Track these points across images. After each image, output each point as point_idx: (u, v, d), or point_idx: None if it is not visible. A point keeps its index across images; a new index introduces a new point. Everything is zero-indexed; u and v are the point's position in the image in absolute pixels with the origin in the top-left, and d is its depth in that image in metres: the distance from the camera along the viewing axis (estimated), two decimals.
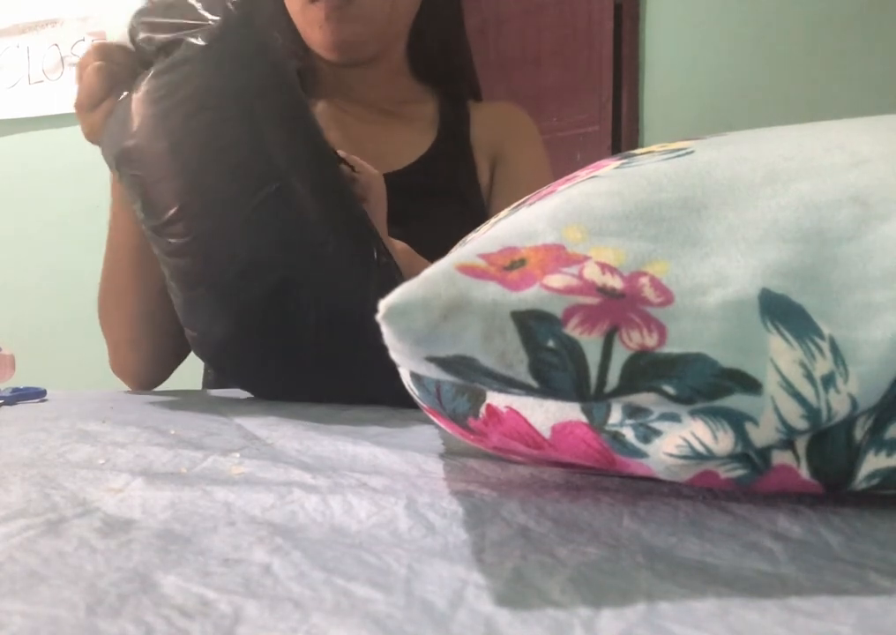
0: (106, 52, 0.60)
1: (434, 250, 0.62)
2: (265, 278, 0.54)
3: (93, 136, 0.62)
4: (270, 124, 0.54)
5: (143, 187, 0.56)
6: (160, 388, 0.74)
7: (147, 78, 0.56)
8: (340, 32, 0.75)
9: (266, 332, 0.56)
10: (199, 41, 0.54)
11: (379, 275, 0.54)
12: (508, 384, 0.21)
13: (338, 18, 0.74)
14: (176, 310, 0.60)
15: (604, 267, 0.22)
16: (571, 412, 0.25)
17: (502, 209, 0.90)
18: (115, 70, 0.60)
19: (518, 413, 0.27)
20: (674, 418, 0.23)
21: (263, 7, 0.58)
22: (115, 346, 0.73)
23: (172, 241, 0.55)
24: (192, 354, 0.81)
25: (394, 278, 0.55)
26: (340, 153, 0.59)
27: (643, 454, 0.24)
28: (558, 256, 0.22)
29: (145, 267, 0.66)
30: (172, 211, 0.54)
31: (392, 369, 0.28)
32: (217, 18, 0.55)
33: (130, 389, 0.76)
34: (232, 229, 0.54)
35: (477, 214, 0.82)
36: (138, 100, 0.56)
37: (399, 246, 0.63)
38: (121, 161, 0.58)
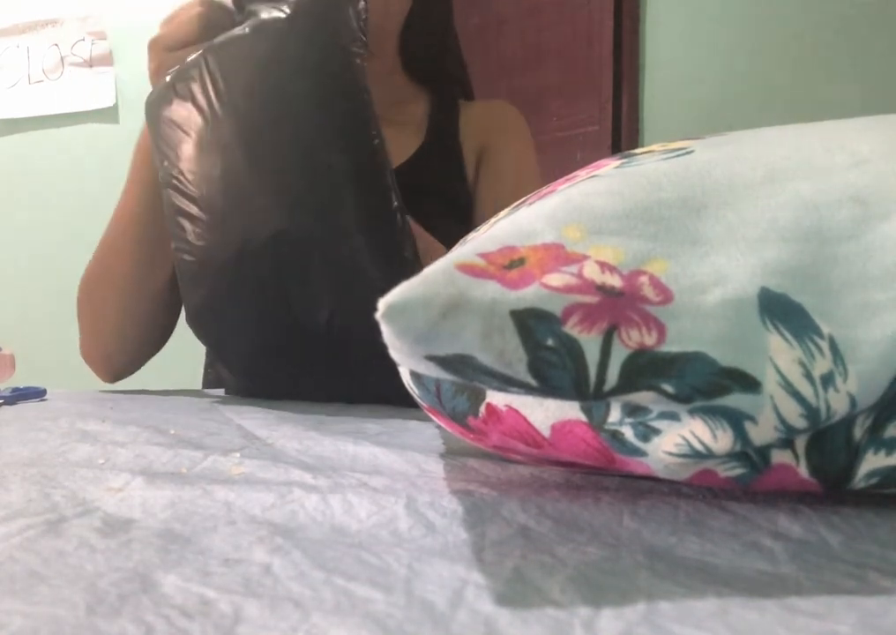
0: (210, 4, 0.60)
1: (423, 255, 0.62)
2: (280, 257, 0.55)
3: (156, 78, 0.62)
4: (324, 108, 0.54)
5: (179, 146, 0.57)
6: (160, 388, 0.74)
7: (222, 40, 0.56)
8: None
9: (275, 321, 0.57)
10: (281, 13, 0.54)
11: (402, 275, 0.54)
12: (507, 382, 0.21)
13: None
14: (182, 284, 0.61)
15: (603, 266, 0.22)
16: (570, 411, 0.25)
17: (486, 201, 0.88)
18: (210, 23, 0.60)
19: (517, 412, 0.27)
20: (673, 417, 0.23)
21: None
22: (94, 332, 0.73)
23: (197, 201, 0.56)
24: (193, 356, 0.81)
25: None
26: None
27: (642, 453, 0.24)
28: (558, 255, 0.22)
29: (143, 244, 0.68)
30: (206, 168, 0.56)
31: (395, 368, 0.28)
32: None
33: (100, 376, 0.76)
34: (257, 201, 0.54)
35: (466, 215, 0.82)
36: (205, 61, 0.56)
37: (424, 235, 0.63)
38: (163, 121, 0.59)
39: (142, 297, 0.71)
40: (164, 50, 0.61)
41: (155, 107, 0.60)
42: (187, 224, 0.58)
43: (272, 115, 0.55)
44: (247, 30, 0.55)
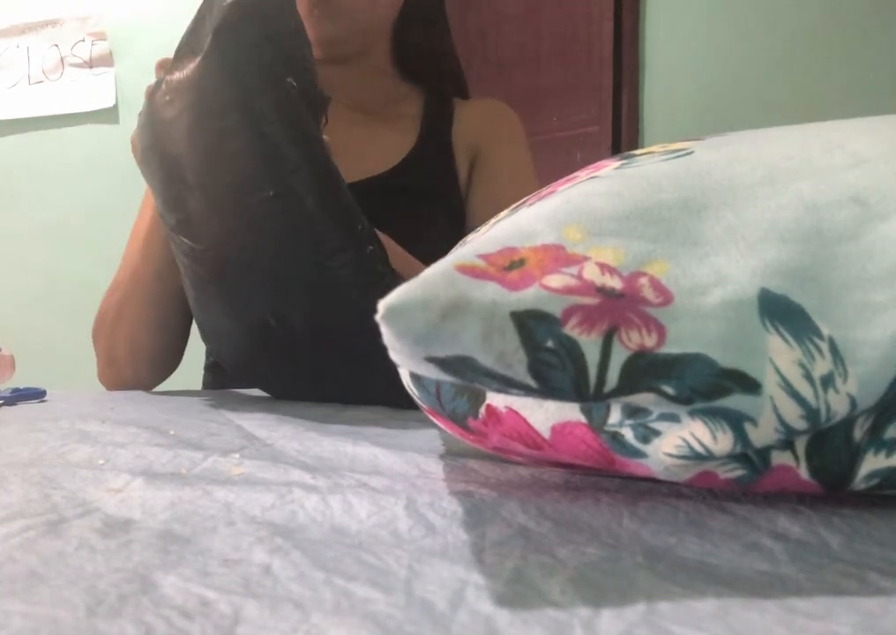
0: None
1: (417, 251, 0.62)
2: (266, 284, 0.55)
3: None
4: (270, 127, 0.53)
5: (159, 187, 0.57)
6: (160, 388, 0.74)
7: (164, 77, 0.56)
8: (320, 28, 0.75)
9: (266, 338, 0.57)
10: (205, 38, 0.54)
11: (376, 287, 0.54)
12: (507, 384, 0.21)
13: (317, 15, 0.74)
14: (192, 308, 0.62)
15: (603, 267, 0.22)
16: (570, 412, 0.25)
17: (479, 203, 0.88)
18: None
19: (517, 413, 0.27)
20: (673, 418, 0.23)
21: None
22: (111, 359, 0.73)
23: (185, 241, 0.56)
24: (193, 357, 0.81)
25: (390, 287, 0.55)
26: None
27: (642, 454, 0.24)
28: (558, 256, 0.22)
29: (168, 271, 0.68)
30: (183, 214, 0.55)
31: (387, 372, 0.28)
32: (224, 6, 0.53)
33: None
34: (235, 234, 0.54)
35: (459, 215, 0.82)
36: (157, 101, 0.56)
37: (396, 250, 0.63)
38: (144, 161, 0.59)
39: (165, 332, 0.72)
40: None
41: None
42: (178, 237, 0.58)
43: (214, 160, 0.54)
44: (178, 66, 0.55)
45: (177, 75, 0.55)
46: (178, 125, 0.54)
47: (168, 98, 0.55)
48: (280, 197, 0.52)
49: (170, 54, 0.59)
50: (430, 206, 0.79)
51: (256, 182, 0.52)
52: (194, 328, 0.69)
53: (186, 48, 0.56)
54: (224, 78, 0.53)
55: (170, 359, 0.75)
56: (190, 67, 0.54)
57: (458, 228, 0.80)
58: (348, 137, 0.80)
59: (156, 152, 0.57)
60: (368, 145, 0.80)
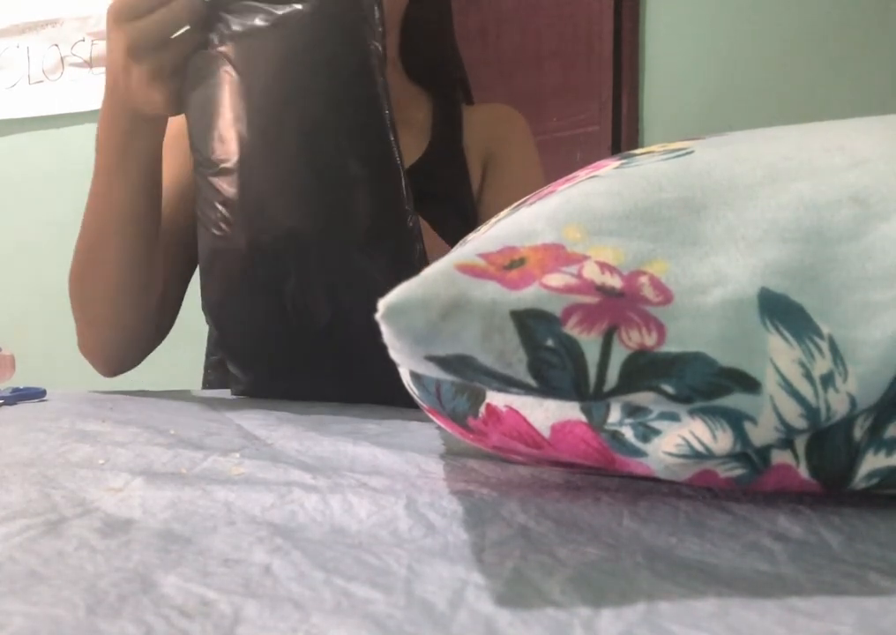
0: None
1: (429, 253, 0.62)
2: (287, 256, 0.55)
3: (128, 55, 0.57)
4: (344, 108, 0.54)
5: (209, 131, 0.57)
6: (160, 389, 0.74)
7: (240, 32, 0.55)
8: None
9: (286, 320, 0.57)
10: (301, 7, 0.53)
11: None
12: (507, 383, 0.21)
13: None
14: (200, 269, 0.61)
15: (603, 266, 0.22)
16: (570, 411, 0.25)
17: (491, 209, 0.89)
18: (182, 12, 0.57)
19: (517, 412, 0.27)
20: (673, 417, 0.23)
21: None
22: (90, 323, 0.72)
23: (223, 188, 0.56)
24: (193, 356, 0.81)
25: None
26: None
27: (642, 453, 0.24)
28: (558, 255, 0.22)
29: (136, 238, 0.66)
30: (231, 162, 0.56)
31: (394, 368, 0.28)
32: None
33: (98, 371, 0.75)
34: (279, 197, 0.55)
35: (472, 218, 0.82)
36: (226, 52, 0.56)
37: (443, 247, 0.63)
38: (192, 105, 0.58)
39: (135, 290, 0.69)
40: (125, 21, 0.57)
41: (187, 87, 0.60)
42: (213, 211, 0.58)
43: (290, 116, 0.54)
44: (266, 23, 0.54)
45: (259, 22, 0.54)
46: (254, 80, 0.54)
47: (266, 23, 0.54)
48: (337, 175, 0.53)
49: None
50: (442, 209, 0.79)
51: (335, 148, 0.53)
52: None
53: None
54: (331, 38, 0.53)
55: (154, 319, 0.73)
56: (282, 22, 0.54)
57: (469, 230, 0.80)
58: None
59: (215, 100, 0.56)
60: None
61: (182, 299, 0.75)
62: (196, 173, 0.59)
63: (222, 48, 0.56)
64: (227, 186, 0.56)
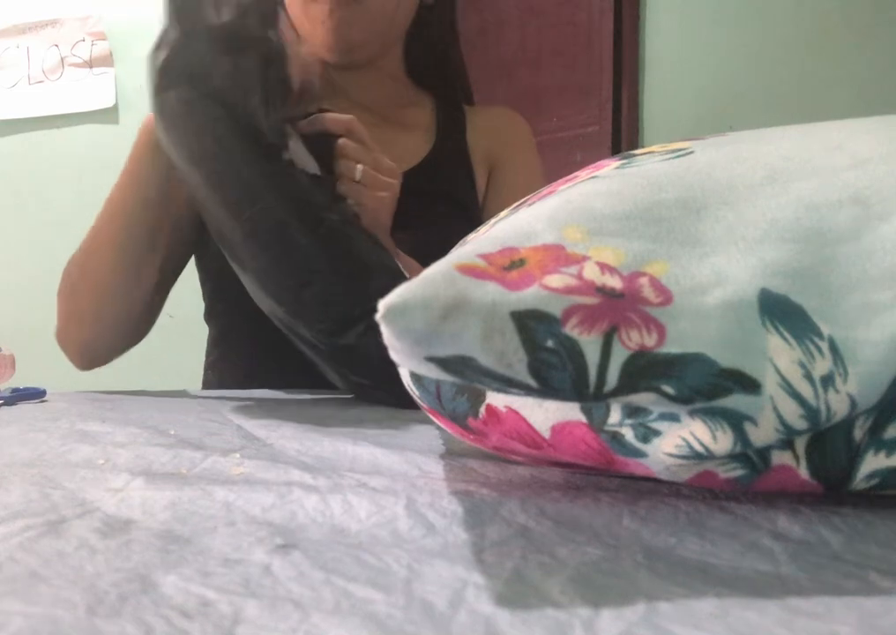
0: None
1: (433, 254, 0.62)
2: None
3: None
4: (238, 155, 0.55)
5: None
6: (160, 389, 0.74)
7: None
8: (344, 32, 0.75)
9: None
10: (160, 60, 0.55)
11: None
12: (507, 383, 0.21)
13: (342, 17, 0.74)
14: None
15: (603, 267, 0.22)
16: (570, 412, 0.25)
17: (495, 212, 0.91)
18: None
19: (517, 413, 0.27)
20: (673, 418, 0.23)
21: (250, 6, 0.57)
22: (73, 315, 0.73)
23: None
24: (193, 357, 0.81)
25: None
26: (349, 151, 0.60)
27: (642, 454, 0.24)
28: (558, 256, 0.22)
29: (138, 240, 0.69)
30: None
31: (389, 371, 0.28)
32: (175, 34, 0.55)
33: (74, 362, 0.76)
34: (236, 247, 0.57)
35: (475, 219, 0.82)
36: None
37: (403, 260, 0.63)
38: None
39: (126, 295, 0.71)
40: None
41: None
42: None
43: (190, 179, 0.57)
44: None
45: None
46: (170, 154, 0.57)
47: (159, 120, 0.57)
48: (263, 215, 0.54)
49: None
50: (446, 210, 0.80)
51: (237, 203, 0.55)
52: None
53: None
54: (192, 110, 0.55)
55: (137, 321, 0.74)
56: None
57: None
58: None
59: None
60: (384, 147, 0.81)
61: (163, 302, 0.76)
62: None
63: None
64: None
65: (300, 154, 0.57)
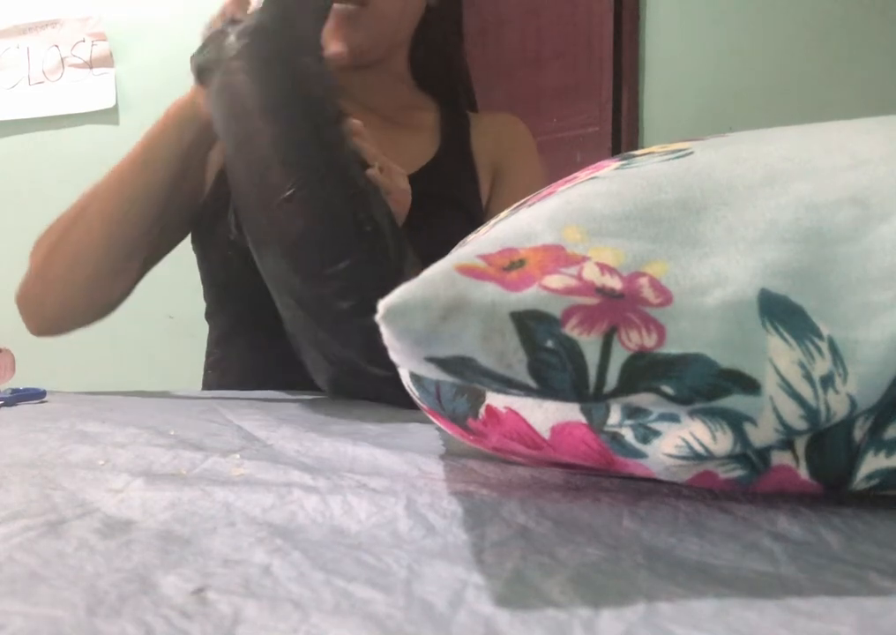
0: None
1: (436, 256, 0.62)
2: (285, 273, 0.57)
3: None
4: (292, 131, 0.56)
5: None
6: (160, 388, 0.74)
7: (216, 72, 0.59)
8: (350, 34, 0.76)
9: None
10: (240, 40, 0.57)
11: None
12: (507, 384, 0.21)
13: (349, 20, 0.75)
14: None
15: (603, 268, 0.22)
16: (570, 412, 0.25)
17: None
18: None
19: (517, 413, 0.27)
20: (673, 418, 0.23)
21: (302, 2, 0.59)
22: (43, 277, 0.73)
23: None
24: (193, 357, 0.81)
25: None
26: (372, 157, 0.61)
27: (642, 454, 0.24)
28: (557, 256, 0.22)
29: (141, 217, 0.69)
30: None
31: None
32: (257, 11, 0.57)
33: (29, 326, 0.75)
34: (261, 229, 0.57)
35: (479, 223, 0.82)
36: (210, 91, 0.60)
37: None
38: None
39: (113, 265, 0.71)
40: None
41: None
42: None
43: (242, 156, 0.57)
44: (218, 64, 0.58)
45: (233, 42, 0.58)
46: (218, 121, 0.58)
47: (215, 90, 0.58)
48: (295, 198, 0.55)
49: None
50: (450, 213, 0.80)
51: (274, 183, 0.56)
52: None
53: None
54: (262, 76, 0.56)
55: (107, 297, 0.74)
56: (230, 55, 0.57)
57: None
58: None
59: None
60: (389, 150, 0.82)
61: (137, 282, 0.76)
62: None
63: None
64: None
65: None
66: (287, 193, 0.54)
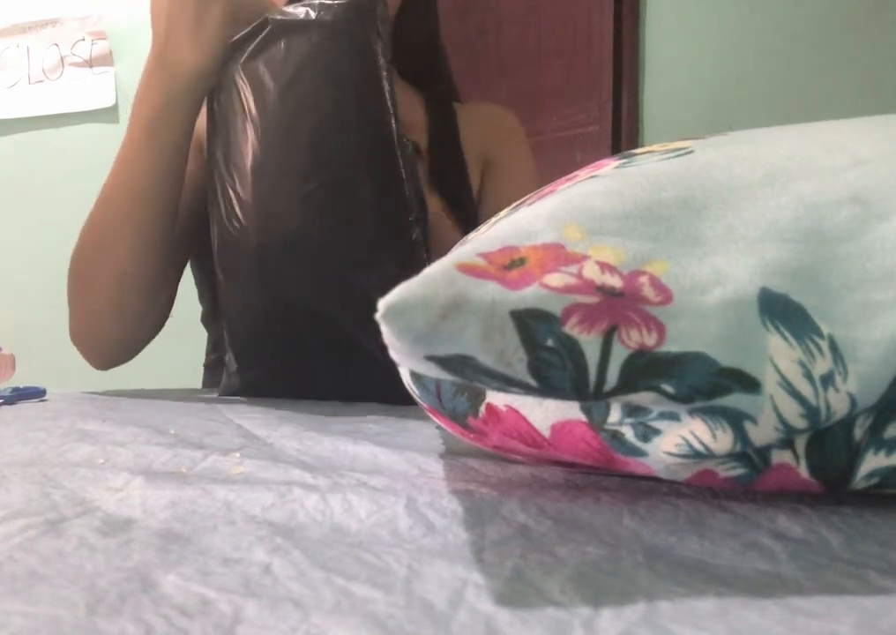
0: None
1: (428, 249, 0.63)
2: (304, 270, 0.57)
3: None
4: (353, 122, 0.56)
5: (228, 136, 0.60)
6: (160, 388, 0.74)
7: (260, 42, 0.58)
8: None
9: (292, 322, 0.58)
10: (315, 19, 0.56)
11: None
12: (507, 383, 0.21)
13: None
14: (218, 278, 0.63)
15: (603, 266, 0.22)
16: (570, 411, 0.25)
17: (491, 212, 0.92)
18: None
19: (517, 412, 0.27)
20: (673, 417, 0.23)
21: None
22: (90, 312, 0.70)
23: (237, 192, 0.59)
24: (193, 356, 0.81)
25: None
26: None
27: (642, 453, 0.24)
28: (558, 255, 0.22)
29: (153, 221, 0.66)
30: (246, 167, 0.58)
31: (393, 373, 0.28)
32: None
33: (92, 362, 0.73)
34: (287, 204, 0.56)
35: (471, 215, 0.82)
36: (245, 61, 0.59)
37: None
38: (221, 92, 0.61)
39: (142, 277, 0.68)
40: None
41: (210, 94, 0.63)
42: (228, 210, 0.60)
43: (300, 127, 0.56)
44: (282, 34, 0.57)
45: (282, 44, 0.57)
46: (274, 83, 0.57)
47: (285, 28, 0.57)
48: (342, 187, 0.55)
49: None
50: (441, 204, 0.80)
51: (344, 158, 0.56)
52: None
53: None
54: (343, 49, 0.56)
55: (155, 313, 0.71)
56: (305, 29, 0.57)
57: (469, 228, 0.81)
58: None
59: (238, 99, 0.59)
60: None
61: (175, 293, 0.74)
62: (213, 174, 0.61)
63: (243, 57, 0.59)
64: (241, 189, 0.58)
65: None
66: (335, 177, 0.54)
